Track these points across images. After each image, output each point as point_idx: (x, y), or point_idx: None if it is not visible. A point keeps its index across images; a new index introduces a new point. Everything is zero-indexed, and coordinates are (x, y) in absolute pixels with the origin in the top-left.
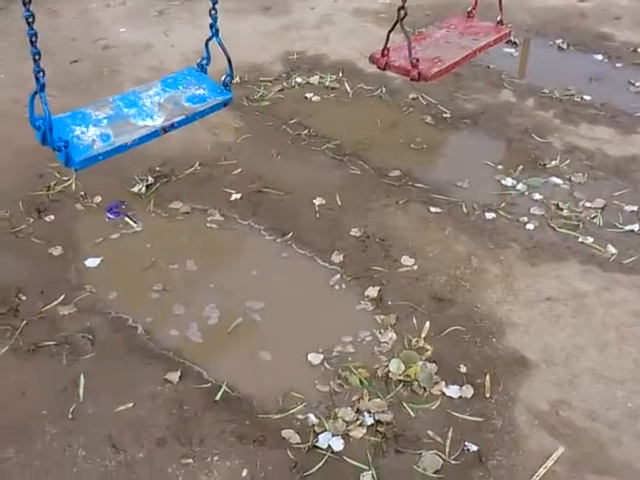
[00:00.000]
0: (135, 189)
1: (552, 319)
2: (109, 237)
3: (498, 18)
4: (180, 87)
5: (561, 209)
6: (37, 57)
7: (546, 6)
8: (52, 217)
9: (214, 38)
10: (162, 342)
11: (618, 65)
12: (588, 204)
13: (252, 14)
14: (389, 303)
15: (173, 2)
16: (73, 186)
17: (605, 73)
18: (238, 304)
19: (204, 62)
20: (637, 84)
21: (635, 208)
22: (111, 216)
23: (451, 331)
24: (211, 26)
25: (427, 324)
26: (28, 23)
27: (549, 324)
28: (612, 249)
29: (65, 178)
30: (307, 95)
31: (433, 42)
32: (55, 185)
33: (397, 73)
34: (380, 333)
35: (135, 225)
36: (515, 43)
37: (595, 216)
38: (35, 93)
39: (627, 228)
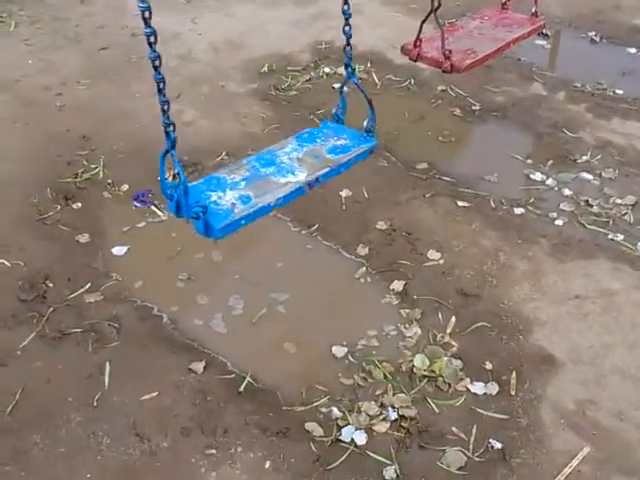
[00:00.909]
0: None
1: (580, 317)
2: (135, 226)
3: (533, 10)
4: (318, 140)
5: (591, 205)
6: (165, 107)
7: None
8: (79, 204)
9: (352, 79)
10: (187, 332)
11: None
12: (619, 201)
13: (281, 3)
14: (414, 297)
15: None
16: (101, 174)
17: (639, 67)
18: (263, 295)
19: (339, 112)
20: None
21: None
22: (138, 204)
23: (477, 327)
24: (346, 66)
25: (453, 319)
26: (155, 67)
27: (577, 322)
28: None
29: (93, 166)
30: (335, 85)
31: (466, 33)
32: (83, 173)
33: (429, 65)
34: (405, 327)
35: (161, 214)
36: (547, 35)
37: (626, 213)
38: (166, 151)
39: None
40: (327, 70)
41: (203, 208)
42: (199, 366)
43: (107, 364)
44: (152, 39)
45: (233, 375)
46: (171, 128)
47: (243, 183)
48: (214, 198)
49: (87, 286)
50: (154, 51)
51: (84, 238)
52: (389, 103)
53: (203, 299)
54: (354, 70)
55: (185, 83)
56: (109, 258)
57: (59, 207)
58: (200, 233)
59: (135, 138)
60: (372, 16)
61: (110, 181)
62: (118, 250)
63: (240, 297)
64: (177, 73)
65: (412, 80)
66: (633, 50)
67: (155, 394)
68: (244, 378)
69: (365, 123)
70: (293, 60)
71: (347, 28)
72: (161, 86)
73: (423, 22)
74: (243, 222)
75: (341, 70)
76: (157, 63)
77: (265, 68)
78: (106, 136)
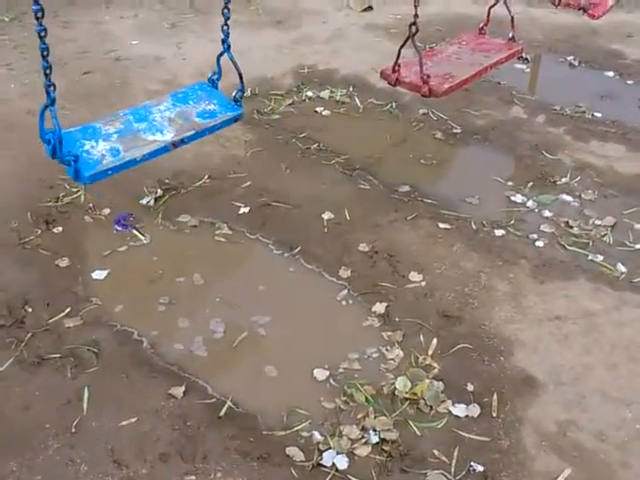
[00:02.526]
0: (144, 201)
1: (561, 338)
2: (117, 249)
3: (510, 35)
4: (191, 102)
5: (571, 227)
6: (48, 71)
7: (557, 23)
8: (60, 229)
9: (225, 53)
10: (167, 356)
11: (629, 82)
12: (598, 222)
13: (264, 28)
14: (396, 320)
15: (186, 15)
16: (82, 198)
17: (616, 90)
18: (244, 318)
19: (215, 77)
20: None
21: None
22: (119, 228)
23: (459, 349)
24: (223, 41)
25: (434, 341)
26: (40, 37)
27: (558, 343)
28: (622, 268)
29: (75, 190)
30: (317, 109)
31: (444, 58)
32: (64, 197)
33: (408, 89)
34: (387, 350)
35: (143, 238)
36: (526, 59)
37: (605, 234)
38: (45, 107)
39: (637, 247)
40: (309, 94)
41: (75, 157)
42: (179, 391)
43: (86, 389)
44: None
45: (213, 400)
46: (51, 88)
47: (115, 136)
48: (87, 147)
49: (66, 311)
50: (40, 25)
51: (64, 262)
52: (371, 126)
53: (184, 323)
54: (229, 46)
55: None
56: (89, 282)
57: (39, 231)
58: (72, 178)
59: None
60: (354, 41)
61: (91, 205)
62: (98, 274)
63: (221, 320)
64: (159, 97)
65: (394, 104)
66: (611, 74)
67: (134, 419)
68: (225, 403)
69: (234, 93)
70: (276, 84)
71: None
72: (45, 53)
73: (401, 47)
74: (110, 172)
75: (324, 94)
76: (43, 34)
77: (248, 92)
78: None
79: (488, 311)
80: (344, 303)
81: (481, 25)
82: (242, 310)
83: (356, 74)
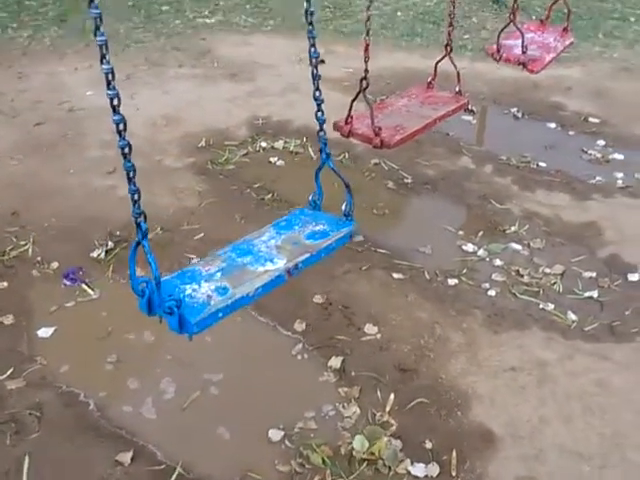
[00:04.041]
0: (94, 254)
1: (517, 390)
2: (64, 305)
3: (457, 88)
4: (296, 227)
5: (521, 275)
6: (136, 196)
7: (501, 77)
8: (5, 284)
9: (327, 163)
10: (114, 419)
11: (571, 133)
12: (547, 270)
13: (220, 80)
14: (352, 374)
15: (141, 67)
16: (30, 252)
17: (559, 141)
18: (196, 377)
19: (316, 198)
20: (589, 152)
21: (593, 274)
22: (68, 283)
23: (416, 404)
24: (321, 151)
25: (391, 397)
26: (124, 155)
27: (514, 395)
28: (573, 316)
29: (22, 243)
30: (272, 159)
31: (395, 111)
32: (11, 250)
33: (360, 141)
34: (343, 407)
35: (92, 292)
36: (473, 111)
37: (555, 282)
38: (137, 243)
39: (586, 294)
40: (264, 144)
41: (177, 302)
42: (127, 457)
43: (27, 458)
44: (121, 127)
45: (163, 466)
46: (142, 218)
47: (219, 274)
48: (189, 291)
49: (9, 372)
50: (123, 139)
51: (8, 320)
52: (325, 177)
53: (133, 383)
54: (329, 155)
55: (120, 158)
56: (34, 340)
57: None
58: (174, 330)
59: (67, 215)
60: (308, 93)
61: (39, 259)
62: (44, 332)
63: (172, 380)
64: (112, 147)
65: (347, 154)
66: (553, 125)
67: None
68: (175, 469)
69: (343, 207)
70: (230, 135)
71: (319, 114)
72: (131, 175)
73: (353, 101)
74: (221, 315)
75: (278, 144)
76: (126, 151)
77: (202, 143)
78: (37, 212)
79: (444, 363)
80: (299, 358)
81: (429, 79)
82: (194, 368)
83: (309, 125)
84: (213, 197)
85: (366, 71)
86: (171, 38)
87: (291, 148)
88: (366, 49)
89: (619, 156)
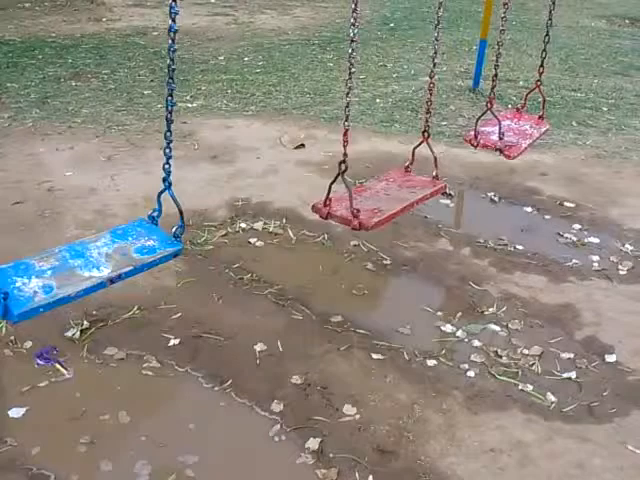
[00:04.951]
0: (69, 333)
1: (497, 472)
2: (37, 385)
3: (434, 173)
4: (130, 238)
5: (500, 356)
6: None
7: (478, 162)
8: None
9: (167, 191)
10: None
11: (547, 217)
12: (526, 351)
13: (200, 162)
14: (330, 456)
15: (122, 148)
16: (3, 330)
17: (535, 224)
18: (171, 459)
19: (155, 214)
20: (565, 235)
21: (571, 355)
22: (41, 362)
23: None
24: (164, 179)
25: (370, 478)
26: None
27: (494, 477)
28: (552, 397)
29: None
30: (251, 240)
31: (373, 194)
32: None
33: (339, 223)
34: None
35: (66, 372)
36: (450, 195)
37: (533, 363)
38: None
39: (565, 375)
40: (243, 225)
41: (4, 294)
42: None
43: None
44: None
45: None
46: None
47: (49, 272)
48: (18, 284)
49: None
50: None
51: None
52: (304, 257)
53: (107, 465)
54: (171, 185)
55: None
56: (5, 421)
57: None
58: (0, 317)
59: None
60: (287, 176)
61: (12, 338)
62: (15, 412)
63: (147, 462)
64: (92, 227)
65: (326, 235)
66: (529, 209)
67: None
68: None
69: (174, 229)
70: (210, 216)
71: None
72: None
73: (332, 183)
74: (42, 310)
75: (257, 225)
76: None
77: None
78: None
79: (423, 445)
80: (277, 439)
81: (407, 164)
82: (169, 450)
83: (289, 207)
84: (191, 277)
85: (345, 155)
86: (153, 121)
87: (270, 229)
88: (345, 134)
89: (594, 239)
